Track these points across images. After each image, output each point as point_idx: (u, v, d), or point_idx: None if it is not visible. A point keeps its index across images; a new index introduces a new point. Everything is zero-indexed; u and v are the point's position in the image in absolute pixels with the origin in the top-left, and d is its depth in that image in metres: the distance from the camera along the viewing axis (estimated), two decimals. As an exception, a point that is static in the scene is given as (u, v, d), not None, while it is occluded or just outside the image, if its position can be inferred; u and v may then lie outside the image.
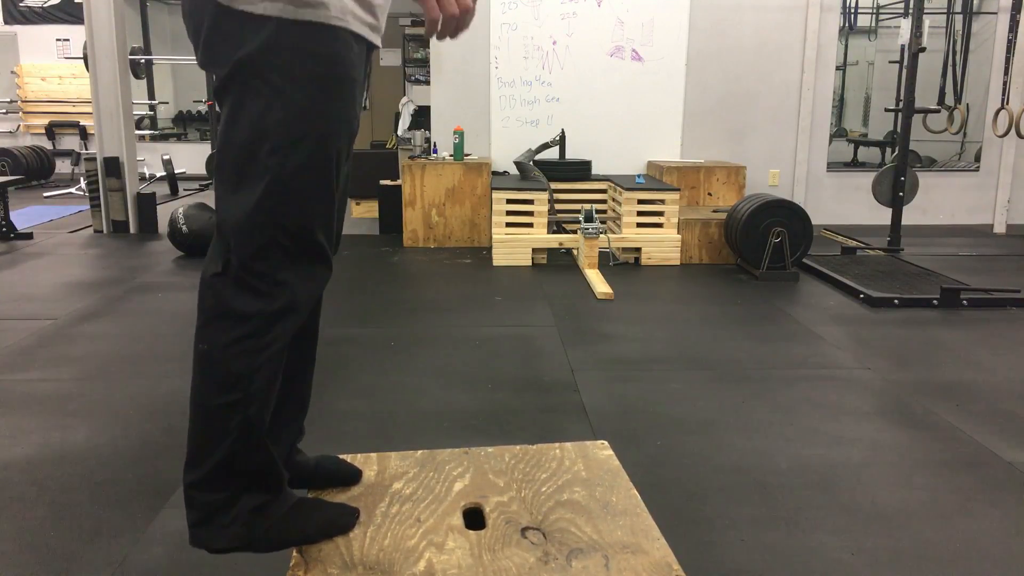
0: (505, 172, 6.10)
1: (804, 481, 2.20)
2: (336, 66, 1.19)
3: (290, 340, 1.30)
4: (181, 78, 12.01)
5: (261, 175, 1.21)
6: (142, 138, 10.61)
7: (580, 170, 5.82)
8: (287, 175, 1.21)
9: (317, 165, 1.24)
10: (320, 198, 1.26)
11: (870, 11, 7.98)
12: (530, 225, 5.13)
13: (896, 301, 4.10)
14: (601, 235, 4.86)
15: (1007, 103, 5.74)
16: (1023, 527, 1.97)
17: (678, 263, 5.13)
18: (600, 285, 4.38)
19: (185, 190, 8.81)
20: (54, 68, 10.92)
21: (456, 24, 1.20)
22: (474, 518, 1.41)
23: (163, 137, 11.40)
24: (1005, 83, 5.90)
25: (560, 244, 5.19)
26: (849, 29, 7.31)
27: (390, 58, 9.90)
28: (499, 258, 5.08)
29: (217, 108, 1.28)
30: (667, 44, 6.15)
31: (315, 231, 1.27)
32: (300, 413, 1.50)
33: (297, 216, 1.24)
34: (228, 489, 1.27)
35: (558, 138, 5.83)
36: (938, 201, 6.72)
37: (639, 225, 5.12)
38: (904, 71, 5.81)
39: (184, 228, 5.23)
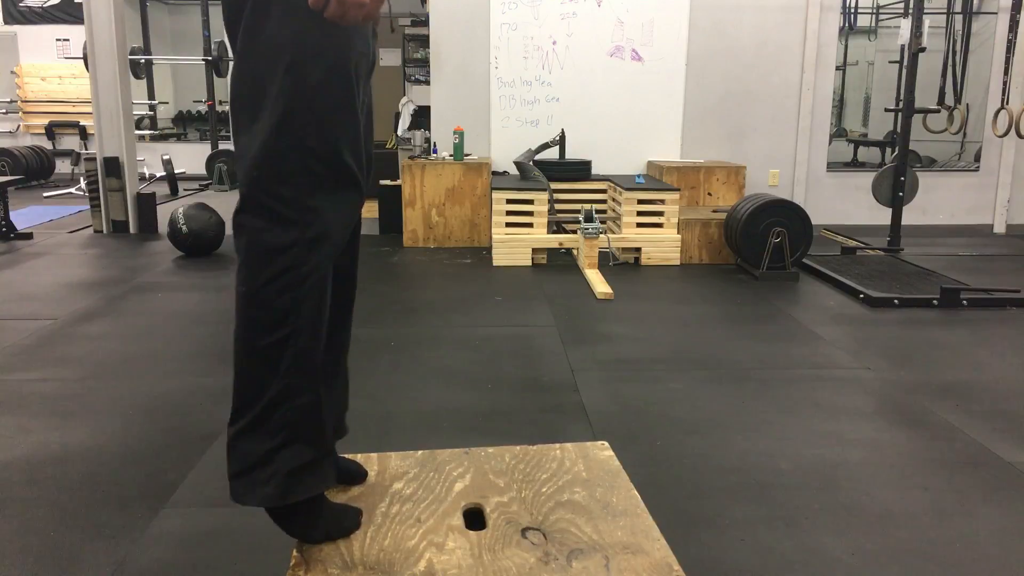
0: (505, 172, 6.10)
1: (804, 481, 2.20)
2: None
3: (329, 269, 1.25)
4: (181, 78, 12.00)
5: (282, 95, 1.16)
6: (142, 138, 10.61)
7: (580, 170, 5.82)
8: (308, 92, 1.17)
9: (337, 80, 1.19)
10: (344, 115, 1.22)
11: (870, 11, 7.98)
12: (530, 225, 5.13)
13: (896, 301, 4.10)
14: (601, 235, 4.86)
15: (1007, 103, 5.74)
16: (1023, 527, 1.97)
17: (678, 263, 5.13)
18: (600, 285, 4.38)
19: (185, 190, 8.81)
20: (54, 68, 10.92)
21: (363, 12, 1.06)
22: (474, 518, 1.41)
23: (163, 137, 11.40)
24: (1005, 83, 5.90)
25: (560, 244, 5.19)
26: (849, 29, 7.31)
27: (390, 58, 9.90)
28: (499, 258, 5.08)
29: (228, 44, 1.25)
30: (667, 44, 6.15)
31: (342, 151, 1.22)
32: (343, 392, 1.46)
33: (322, 135, 1.19)
34: (272, 439, 1.22)
35: (558, 138, 5.83)
36: (938, 201, 6.72)
37: (639, 225, 5.12)
38: (904, 71, 5.82)
39: (184, 228, 5.22)
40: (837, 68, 7.46)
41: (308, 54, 1.16)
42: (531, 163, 5.61)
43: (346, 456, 1.57)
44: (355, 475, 1.52)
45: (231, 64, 1.24)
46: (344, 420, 1.53)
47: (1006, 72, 5.92)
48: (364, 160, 1.31)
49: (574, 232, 5.25)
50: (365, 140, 1.33)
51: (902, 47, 5.99)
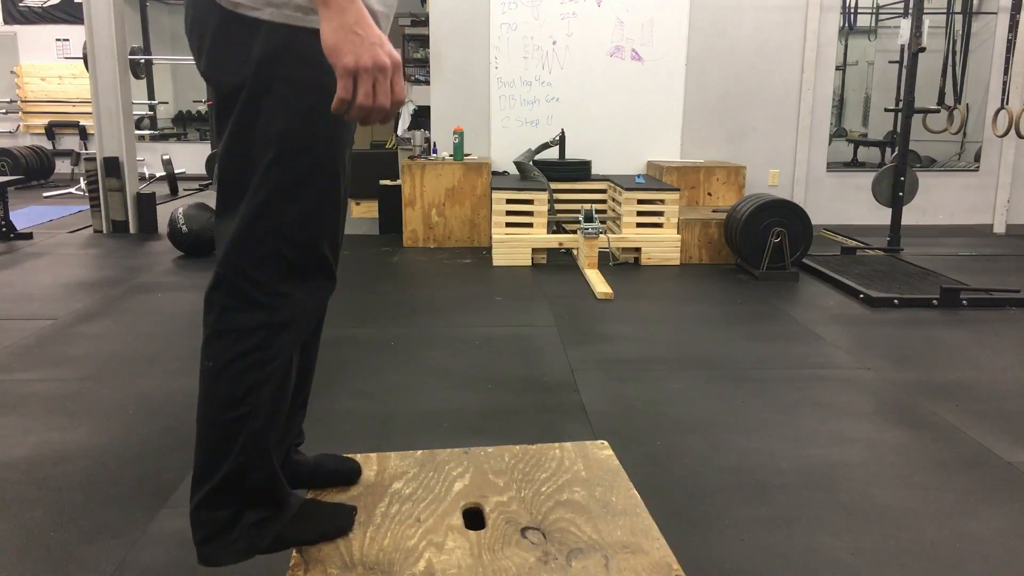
0: (505, 172, 6.09)
1: (804, 481, 2.20)
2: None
3: (295, 354, 1.29)
4: (181, 78, 12.01)
5: (264, 185, 1.19)
6: (142, 138, 10.61)
7: (580, 170, 5.82)
8: (291, 184, 1.19)
9: (322, 175, 1.22)
10: (325, 208, 1.24)
11: (870, 11, 7.98)
12: (530, 225, 5.13)
13: (896, 301, 4.10)
14: (601, 235, 4.86)
15: (1007, 103, 5.74)
16: (1023, 527, 1.97)
17: (678, 263, 5.13)
18: (600, 285, 4.38)
19: (185, 190, 8.81)
20: (54, 68, 10.92)
21: (383, 115, 1.08)
22: (474, 518, 1.41)
23: (163, 137, 11.40)
24: (1005, 83, 5.90)
25: (560, 244, 5.19)
26: (849, 29, 7.31)
27: (390, 58, 9.88)
28: (499, 258, 5.08)
29: (214, 127, 1.26)
30: (667, 44, 6.15)
31: (319, 243, 1.25)
32: (299, 412, 1.50)
33: (300, 226, 1.22)
34: (233, 505, 1.27)
35: (558, 138, 5.83)
36: (938, 201, 6.72)
37: (639, 225, 5.12)
38: (904, 71, 5.81)
39: (184, 228, 5.22)
40: (837, 68, 7.46)
41: (295, 149, 1.19)
42: (531, 163, 5.61)
43: (346, 456, 1.57)
44: (351, 474, 1.52)
45: (220, 152, 1.26)
46: (298, 452, 1.54)
47: (1006, 72, 5.93)
48: (339, 239, 1.34)
49: (574, 232, 5.25)
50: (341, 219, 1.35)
51: (902, 47, 5.99)
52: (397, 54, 1.06)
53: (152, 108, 11.33)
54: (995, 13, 6.52)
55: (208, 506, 1.26)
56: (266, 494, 1.30)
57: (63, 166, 10.49)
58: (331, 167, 1.23)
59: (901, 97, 6.04)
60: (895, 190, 5.39)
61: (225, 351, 1.23)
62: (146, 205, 6.22)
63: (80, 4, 6.37)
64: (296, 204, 1.21)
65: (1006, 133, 5.56)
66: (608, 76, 6.17)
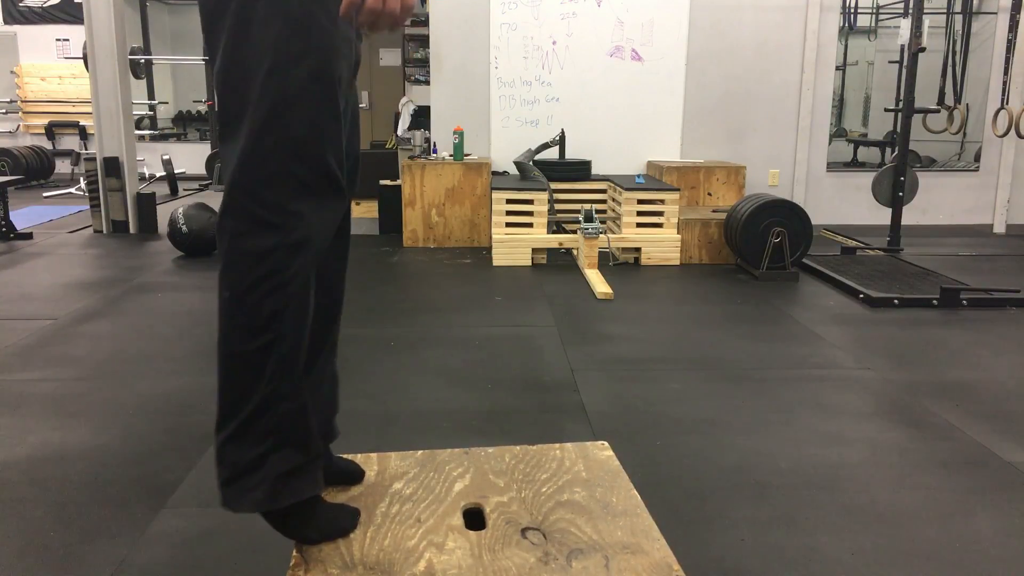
0: (505, 172, 6.09)
1: (804, 481, 2.20)
2: None
3: (312, 275, 1.25)
4: (181, 78, 12.01)
5: (264, 98, 1.16)
6: (142, 138, 10.61)
7: (580, 170, 5.82)
8: (291, 94, 1.16)
9: (320, 85, 1.18)
10: (327, 120, 1.21)
11: (870, 11, 7.98)
12: (530, 225, 5.13)
13: (896, 301, 4.10)
14: (601, 235, 4.86)
15: (1007, 103, 5.74)
16: (1023, 527, 1.97)
17: (678, 263, 5.13)
18: (600, 285, 4.38)
19: (185, 190, 8.81)
20: (54, 68, 10.92)
21: (392, 20, 1.06)
22: (474, 518, 1.41)
23: (163, 137, 11.40)
24: (1005, 83, 5.90)
25: (560, 244, 5.19)
26: (849, 29, 7.31)
27: (390, 58, 9.90)
28: (499, 258, 5.08)
29: (207, 48, 1.22)
30: (667, 44, 6.15)
31: (326, 155, 1.21)
32: (331, 356, 1.45)
33: (304, 139, 1.19)
34: (259, 445, 1.22)
35: (558, 138, 5.83)
36: (938, 201, 6.72)
37: (639, 225, 5.12)
38: (904, 71, 5.82)
39: (184, 228, 5.22)
40: (837, 68, 7.46)
41: (290, 59, 1.15)
42: (531, 163, 5.61)
43: (345, 456, 1.57)
44: (353, 475, 1.52)
45: (215, 72, 1.23)
46: (334, 423, 1.52)
47: (1006, 72, 5.93)
48: (349, 164, 1.31)
49: (574, 232, 5.25)
50: (350, 143, 1.32)
51: (902, 47, 5.99)
52: None
53: (152, 108, 11.34)
54: (995, 13, 6.53)
55: (236, 442, 1.21)
56: (294, 432, 1.24)
57: (63, 166, 10.49)
58: (329, 77, 1.19)
59: (901, 97, 6.05)
60: (895, 190, 5.39)
61: (241, 278, 1.18)
62: (146, 205, 6.22)
63: (80, 4, 6.37)
64: (299, 115, 1.17)
65: (1006, 133, 5.56)
66: (608, 76, 6.17)
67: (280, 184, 1.18)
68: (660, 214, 5.11)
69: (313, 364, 1.39)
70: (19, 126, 11.03)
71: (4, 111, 10.98)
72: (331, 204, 1.26)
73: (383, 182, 6.31)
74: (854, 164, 8.31)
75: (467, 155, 5.91)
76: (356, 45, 1.33)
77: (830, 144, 6.71)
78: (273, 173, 1.18)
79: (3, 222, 5.75)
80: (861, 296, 4.21)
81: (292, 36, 1.14)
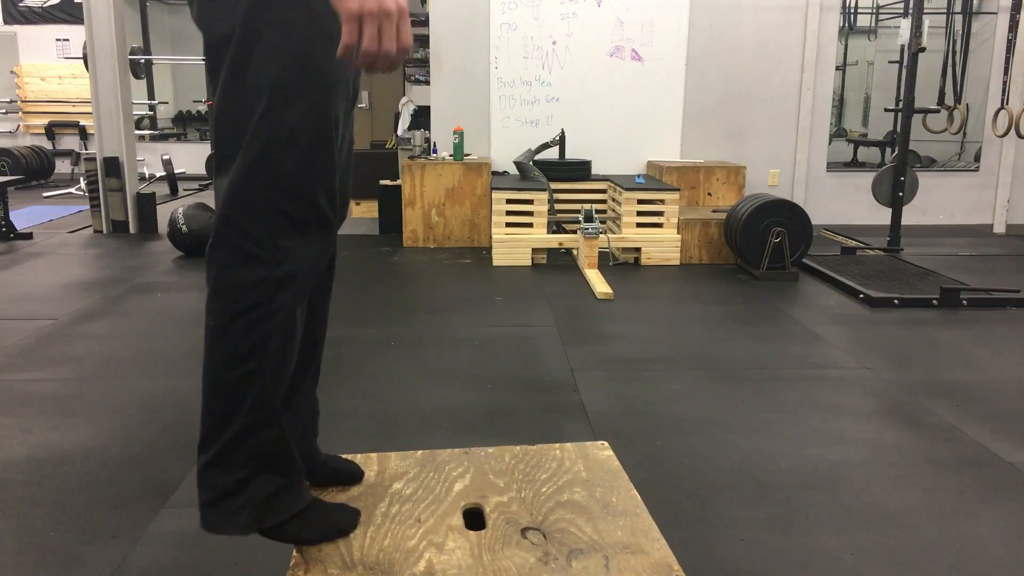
0: (505, 172, 6.10)
1: (804, 481, 2.20)
2: (332, 19, 1.13)
3: (298, 310, 1.27)
4: (181, 78, 12.01)
5: (258, 136, 1.17)
6: (142, 138, 10.61)
7: (580, 170, 5.82)
8: (285, 134, 1.18)
9: (315, 123, 1.20)
10: (320, 158, 1.22)
11: (870, 11, 7.98)
12: (530, 225, 5.13)
13: (896, 301, 4.10)
14: (601, 235, 4.86)
15: (1007, 103, 5.74)
16: (1023, 527, 1.97)
17: (678, 263, 5.13)
18: (600, 285, 4.38)
19: (185, 190, 8.82)
20: (54, 68, 10.92)
21: (389, 62, 1.07)
22: (474, 518, 1.41)
23: (163, 137, 11.40)
24: (1005, 83, 5.90)
25: (560, 244, 5.19)
26: (849, 29, 7.31)
27: (390, 58, 9.88)
28: (499, 258, 5.08)
29: (208, 83, 1.24)
30: (667, 44, 6.15)
31: (316, 194, 1.23)
32: (312, 381, 1.47)
33: (296, 177, 1.20)
34: (241, 470, 1.24)
35: (558, 138, 5.83)
36: (938, 201, 6.72)
37: (639, 225, 5.12)
38: (904, 71, 5.82)
39: (184, 228, 5.22)
40: (837, 68, 7.46)
41: (286, 99, 1.17)
42: (531, 163, 5.61)
43: (345, 456, 1.57)
44: (352, 475, 1.52)
45: (213, 108, 1.24)
46: (315, 447, 1.52)
47: (1006, 72, 5.93)
48: (341, 194, 1.32)
49: (574, 232, 5.25)
50: (344, 173, 1.33)
51: (902, 47, 5.99)
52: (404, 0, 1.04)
53: (152, 108, 11.34)
54: (995, 13, 6.53)
55: (217, 466, 1.23)
56: (274, 458, 1.26)
57: (63, 166, 10.49)
58: (324, 117, 1.21)
59: (901, 97, 6.05)
60: (895, 190, 5.39)
61: (227, 308, 1.21)
62: (146, 205, 6.22)
63: (80, 4, 6.36)
64: (291, 155, 1.19)
65: (1006, 133, 5.56)
66: (608, 76, 6.17)
67: (269, 220, 1.21)
68: (660, 214, 5.11)
69: (295, 391, 1.42)
70: (19, 126, 11.03)
71: (4, 111, 10.98)
72: (320, 241, 1.28)
73: (383, 182, 6.31)
74: (854, 164, 8.31)
75: (467, 155, 5.91)
76: (355, 82, 1.34)
77: (830, 144, 6.71)
78: (263, 209, 1.20)
79: (3, 222, 5.75)
80: (861, 296, 4.21)
81: (289, 77, 1.15)
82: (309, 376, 1.46)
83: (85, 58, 6.09)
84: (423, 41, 8.17)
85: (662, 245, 5.11)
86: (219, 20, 1.17)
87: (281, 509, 1.28)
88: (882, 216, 5.74)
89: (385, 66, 1.07)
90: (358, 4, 1.01)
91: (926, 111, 5.72)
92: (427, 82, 6.85)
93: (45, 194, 8.60)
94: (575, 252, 5.28)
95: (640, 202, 5.12)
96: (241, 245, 1.20)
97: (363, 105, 9.91)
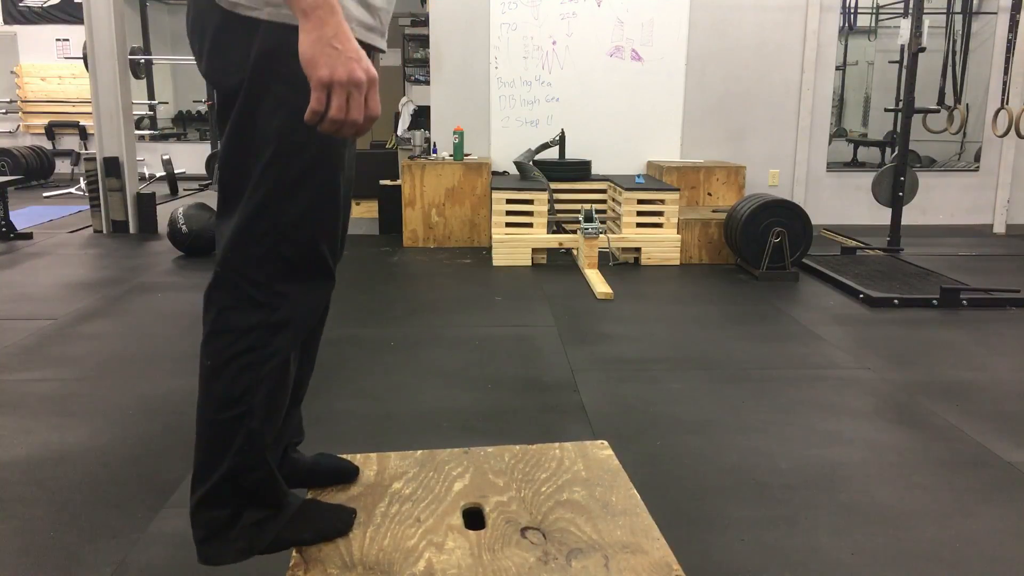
0: (505, 172, 6.10)
1: (804, 481, 2.20)
2: None
3: (292, 354, 1.29)
4: (181, 78, 12.01)
5: (262, 183, 1.20)
6: (142, 138, 10.61)
7: (580, 170, 5.82)
8: (289, 182, 1.20)
9: (320, 173, 1.22)
10: (323, 207, 1.25)
11: (870, 11, 7.98)
12: (530, 225, 5.13)
13: (896, 301, 4.10)
14: (601, 235, 4.86)
15: (1007, 103, 5.74)
16: (1023, 527, 1.97)
17: (678, 263, 5.13)
18: (600, 285, 4.38)
19: (185, 190, 8.81)
20: (54, 68, 10.92)
21: (355, 130, 1.08)
22: (474, 518, 1.41)
23: (163, 137, 11.40)
24: (1005, 83, 5.90)
25: (560, 244, 5.19)
26: (849, 29, 7.31)
27: (390, 58, 9.90)
28: (499, 258, 5.08)
29: (216, 128, 1.26)
30: (667, 44, 6.15)
31: (318, 242, 1.25)
32: (294, 410, 1.50)
33: (299, 225, 1.23)
34: (231, 505, 1.27)
35: (558, 138, 5.83)
36: (938, 201, 6.72)
37: (639, 225, 5.12)
38: (904, 71, 5.81)
39: (184, 228, 5.22)
40: (837, 68, 7.46)
41: (292, 149, 1.19)
42: (531, 163, 5.61)
43: (345, 456, 1.58)
44: (347, 473, 1.53)
45: (220, 152, 1.26)
46: (297, 454, 1.54)
47: (1006, 72, 5.93)
48: (340, 242, 1.35)
49: (574, 232, 5.25)
50: (344, 216, 1.35)
51: (902, 47, 5.99)
52: (375, 70, 1.06)
53: (152, 108, 11.33)
54: (995, 13, 6.53)
55: (207, 505, 1.27)
56: (264, 494, 1.30)
57: (63, 166, 10.49)
58: (329, 166, 1.23)
59: (901, 97, 6.04)
60: (895, 190, 5.38)
61: (223, 350, 1.24)
62: (146, 205, 6.22)
63: (80, 4, 6.36)
64: (294, 203, 1.21)
65: (1006, 133, 5.56)
66: (608, 76, 6.17)
67: (269, 265, 1.23)
68: (660, 214, 5.11)
69: (283, 422, 1.42)
70: (19, 126, 11.03)
71: (4, 111, 10.98)
72: (319, 287, 1.30)
73: (383, 182, 6.31)
74: (854, 164, 8.31)
75: (467, 155, 5.91)
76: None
77: (830, 144, 6.71)
78: (263, 254, 1.22)
79: (3, 222, 5.75)
80: (861, 296, 4.20)
81: (296, 127, 1.17)
82: (292, 405, 1.48)
83: (85, 58, 6.10)
84: (423, 41, 8.17)
85: (662, 245, 5.11)
86: (229, 74, 1.19)
87: (272, 527, 1.31)
88: (882, 216, 5.74)
89: (351, 133, 1.08)
90: (328, 72, 1.02)
91: (926, 111, 5.72)
92: (427, 82, 6.85)
93: (45, 194, 8.60)
94: (575, 252, 5.28)
95: (640, 202, 5.12)
96: (240, 288, 1.23)
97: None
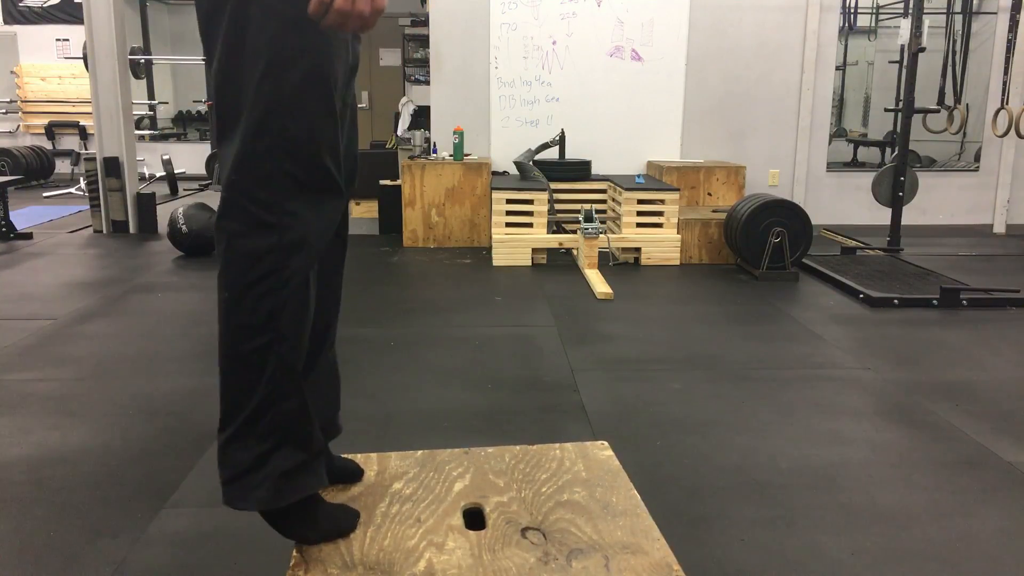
0: (505, 172, 6.09)
1: (804, 481, 2.20)
2: None
3: (311, 275, 1.26)
4: (181, 78, 12.01)
5: (259, 100, 1.17)
6: (142, 138, 10.61)
7: (580, 170, 5.82)
8: (286, 96, 1.17)
9: (315, 85, 1.19)
10: (322, 120, 1.22)
11: (870, 11, 7.98)
12: (530, 225, 5.13)
13: (896, 301, 4.10)
14: (601, 235, 4.86)
15: (1007, 103, 5.74)
16: (1023, 527, 1.97)
17: (678, 263, 5.13)
18: (600, 285, 4.38)
19: (185, 190, 8.81)
20: (54, 68, 10.92)
21: (362, 23, 1.06)
22: (474, 518, 1.41)
23: (163, 137, 11.40)
24: (1005, 83, 5.90)
25: (560, 244, 5.19)
26: (849, 29, 7.31)
27: (390, 58, 9.90)
28: (499, 258, 5.08)
29: (206, 52, 1.23)
30: (667, 44, 6.15)
31: (321, 154, 1.22)
32: (330, 350, 1.47)
33: (300, 137, 1.19)
34: (262, 443, 1.23)
35: (558, 138, 5.83)
36: (938, 201, 6.72)
37: (639, 225, 5.12)
38: (904, 71, 5.82)
39: (184, 228, 5.22)
40: (837, 68, 7.45)
41: (285, 59, 1.16)
42: (531, 163, 5.61)
43: (345, 456, 1.57)
44: (353, 474, 1.52)
45: (212, 75, 1.24)
46: (337, 419, 1.53)
47: (1006, 72, 5.93)
48: (347, 164, 1.31)
49: (574, 232, 5.25)
50: (348, 143, 1.33)
51: (902, 47, 5.99)
52: None
53: (152, 108, 11.33)
54: (995, 13, 6.52)
55: (237, 442, 1.22)
56: (296, 430, 1.25)
57: (63, 166, 10.49)
58: (323, 81, 1.20)
59: (901, 97, 6.05)
60: (895, 190, 5.39)
61: (239, 279, 1.19)
62: (146, 205, 6.22)
63: (80, 4, 6.36)
64: (293, 117, 1.18)
65: (1006, 133, 5.56)
66: (608, 76, 6.17)
67: (276, 184, 1.19)
68: (660, 214, 5.11)
69: (314, 362, 1.40)
70: (19, 126, 11.03)
71: (4, 111, 10.98)
72: (328, 203, 1.27)
73: (383, 182, 6.31)
74: (854, 164, 8.31)
75: (467, 155, 5.91)
76: (354, 46, 1.33)
77: (830, 144, 6.71)
78: (269, 173, 1.19)
79: (3, 222, 5.75)
80: (861, 296, 4.21)
81: (287, 38, 1.14)
82: (327, 346, 1.45)
83: (85, 58, 6.09)
84: (423, 41, 8.17)
85: (662, 245, 5.11)
86: None
87: (299, 487, 1.27)
88: (882, 216, 5.74)
89: (357, 27, 1.05)
90: None
91: (926, 111, 5.72)
92: (427, 82, 6.85)
93: (45, 194, 8.60)
94: (575, 252, 5.28)
95: (640, 202, 5.12)
96: (248, 211, 1.19)
97: (363, 105, 9.92)
